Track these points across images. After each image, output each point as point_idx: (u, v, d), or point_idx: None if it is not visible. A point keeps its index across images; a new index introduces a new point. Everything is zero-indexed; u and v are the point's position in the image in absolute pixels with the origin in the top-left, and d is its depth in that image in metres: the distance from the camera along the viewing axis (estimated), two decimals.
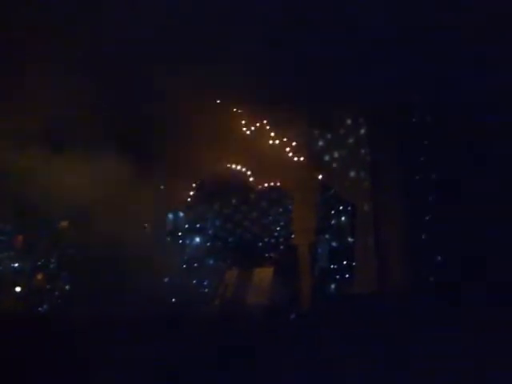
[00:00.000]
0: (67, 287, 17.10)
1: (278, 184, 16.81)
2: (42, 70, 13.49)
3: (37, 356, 9.43)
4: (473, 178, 13.76)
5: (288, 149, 16.08)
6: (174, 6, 13.12)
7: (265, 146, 16.24)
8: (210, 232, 18.12)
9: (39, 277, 17.35)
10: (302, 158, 15.97)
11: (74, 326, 11.80)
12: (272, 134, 16.25)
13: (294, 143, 16.05)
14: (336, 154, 15.54)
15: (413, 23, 12.43)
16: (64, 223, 17.37)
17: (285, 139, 16.10)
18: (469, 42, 12.32)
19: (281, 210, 17.15)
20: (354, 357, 9.12)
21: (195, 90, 14.23)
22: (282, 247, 17.20)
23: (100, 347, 10.15)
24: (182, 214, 18.14)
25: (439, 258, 14.11)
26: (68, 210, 16.08)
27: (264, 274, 16.87)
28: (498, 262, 13.23)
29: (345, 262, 15.64)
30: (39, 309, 16.37)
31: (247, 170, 17.08)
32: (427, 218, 14.43)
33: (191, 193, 17.77)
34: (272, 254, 17.27)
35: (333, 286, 15.77)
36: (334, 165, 15.60)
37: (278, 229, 17.28)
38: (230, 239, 17.87)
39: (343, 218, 15.83)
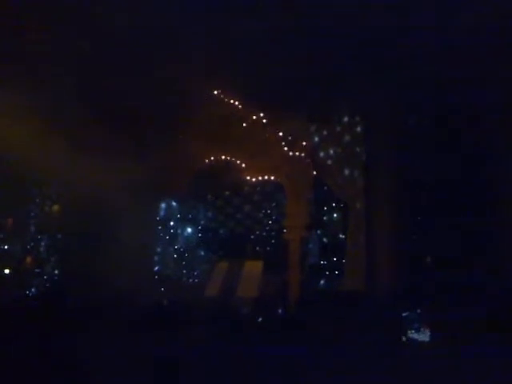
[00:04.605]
0: (56, 271, 17.10)
1: (272, 178, 16.80)
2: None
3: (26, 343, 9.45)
4: (465, 181, 13.84)
5: (283, 143, 16.07)
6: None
7: (260, 140, 16.22)
8: (202, 223, 18.15)
9: (28, 260, 17.32)
10: (296, 153, 15.97)
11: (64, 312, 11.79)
12: (268, 128, 16.23)
13: (289, 138, 16.03)
14: (331, 151, 15.55)
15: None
16: (55, 207, 17.34)
17: (280, 133, 16.08)
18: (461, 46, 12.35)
19: (273, 204, 17.18)
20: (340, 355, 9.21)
21: (192, 82, 14.18)
22: (273, 241, 17.24)
23: (90, 335, 10.18)
24: (174, 204, 18.15)
25: (429, 258, 14.22)
26: (60, 195, 16.06)
27: (254, 267, 16.91)
28: (486, 263, 13.36)
29: (335, 259, 15.69)
30: (27, 292, 16.34)
31: (241, 163, 17.06)
32: (419, 218, 14.51)
33: (185, 183, 17.74)
34: (263, 248, 17.32)
35: (322, 282, 15.84)
36: (329, 162, 15.61)
37: (270, 223, 17.31)
38: (221, 231, 17.91)
39: (335, 215, 15.87)
